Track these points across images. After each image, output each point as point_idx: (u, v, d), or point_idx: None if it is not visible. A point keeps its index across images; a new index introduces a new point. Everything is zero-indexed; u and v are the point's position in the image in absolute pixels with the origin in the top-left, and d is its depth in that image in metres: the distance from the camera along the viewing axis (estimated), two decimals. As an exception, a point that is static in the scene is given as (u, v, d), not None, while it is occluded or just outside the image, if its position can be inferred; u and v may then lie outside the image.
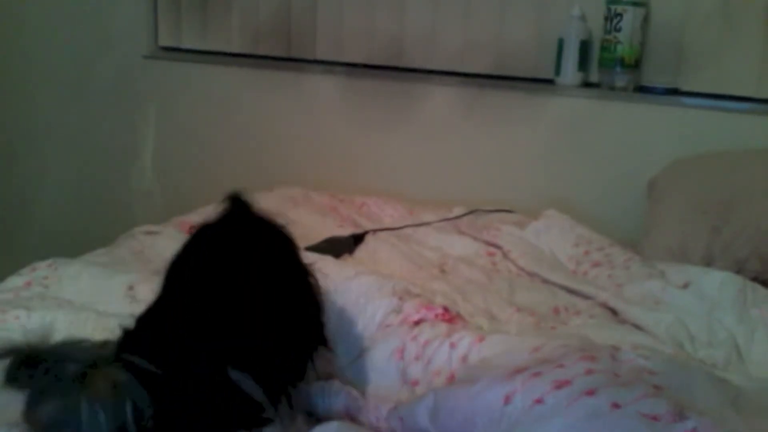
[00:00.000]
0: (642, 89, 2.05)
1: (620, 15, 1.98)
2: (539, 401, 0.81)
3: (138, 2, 2.44)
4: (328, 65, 2.30)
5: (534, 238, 1.81)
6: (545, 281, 1.63)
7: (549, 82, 2.12)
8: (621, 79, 2.02)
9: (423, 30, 2.21)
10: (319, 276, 1.13)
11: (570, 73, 2.07)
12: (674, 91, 2.02)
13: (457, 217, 1.95)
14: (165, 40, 2.46)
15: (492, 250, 1.77)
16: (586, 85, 2.09)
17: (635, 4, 1.97)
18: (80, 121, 2.60)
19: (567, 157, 2.10)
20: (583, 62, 2.07)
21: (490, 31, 2.16)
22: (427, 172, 2.23)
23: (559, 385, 0.82)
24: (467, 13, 2.17)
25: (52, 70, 2.60)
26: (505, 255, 1.74)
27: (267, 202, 1.89)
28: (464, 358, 1.05)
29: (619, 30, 1.99)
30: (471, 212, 1.98)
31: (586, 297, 1.55)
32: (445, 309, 1.24)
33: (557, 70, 2.09)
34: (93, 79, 2.54)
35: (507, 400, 0.84)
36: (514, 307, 1.46)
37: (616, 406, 0.78)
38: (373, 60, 2.27)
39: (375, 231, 1.79)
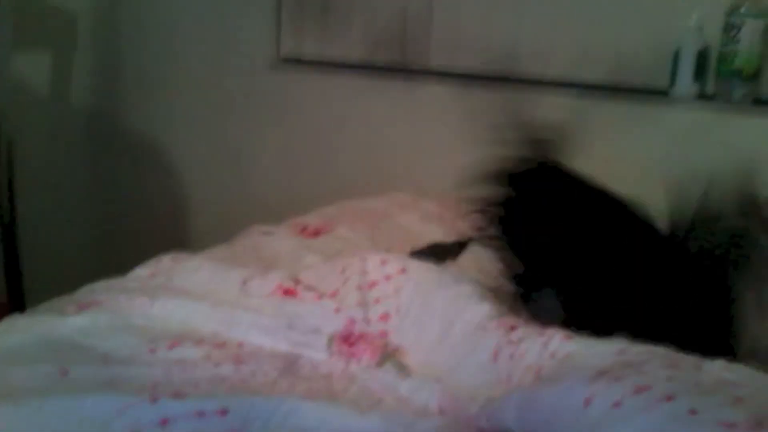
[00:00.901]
0: (761, 102, 1.99)
1: (739, 27, 1.94)
2: (617, 404, 0.83)
3: (264, 15, 2.58)
4: (442, 75, 2.36)
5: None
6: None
7: (664, 93, 2.09)
8: (739, 91, 1.98)
9: (538, 39, 2.23)
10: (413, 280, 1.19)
11: (686, 84, 2.04)
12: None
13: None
14: (288, 52, 2.59)
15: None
16: (702, 96, 2.05)
17: (756, 16, 1.92)
18: (211, 124, 2.77)
19: (681, 170, 2.06)
20: (700, 73, 2.03)
21: (606, 40, 2.16)
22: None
23: (639, 390, 0.84)
24: (583, 22, 2.17)
25: (183, 77, 2.79)
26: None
27: (376, 206, 2.00)
28: (553, 354, 1.07)
29: (738, 41, 1.95)
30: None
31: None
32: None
33: (673, 80, 2.06)
34: (221, 87, 2.71)
35: (587, 402, 0.87)
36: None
37: (693, 412, 0.79)
38: (487, 69, 2.31)
39: (475, 239, 1.82)
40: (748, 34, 1.93)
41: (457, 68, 2.34)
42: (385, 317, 1.30)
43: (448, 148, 2.36)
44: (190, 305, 1.34)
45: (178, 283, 1.45)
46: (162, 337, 1.23)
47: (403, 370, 1.21)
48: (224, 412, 1.00)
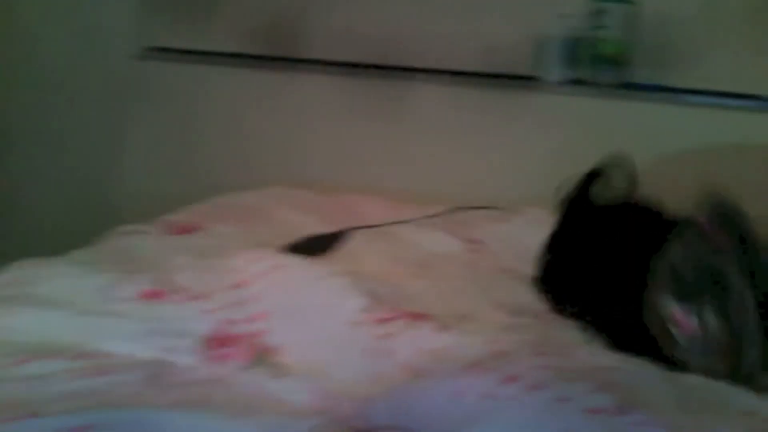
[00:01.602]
0: (630, 86, 2.05)
1: (604, 11, 1.98)
2: (489, 396, 0.82)
3: (127, 3, 2.45)
4: (317, 64, 2.31)
5: (516, 234, 1.82)
6: (526, 277, 1.64)
7: (535, 79, 2.12)
8: (607, 76, 2.02)
9: (411, 28, 2.22)
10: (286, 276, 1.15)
11: (555, 70, 2.07)
12: (663, 88, 2.02)
13: (440, 214, 1.96)
14: (152, 41, 2.46)
15: (475, 246, 1.78)
16: (573, 82, 2.09)
17: (621, 1, 1.97)
18: (67, 121, 2.62)
19: (552, 154, 2.11)
20: (569, 59, 2.07)
21: (477, 28, 2.17)
22: (412, 169, 2.24)
23: (508, 380, 0.83)
24: (455, 11, 2.18)
25: (41, 71, 2.62)
26: (486, 252, 1.75)
27: (251, 200, 1.95)
28: (426, 351, 1.06)
29: (604, 27, 1.99)
30: (455, 209, 1.99)
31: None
32: (416, 313, 1.25)
33: (543, 67, 2.09)
34: (81, 79, 2.56)
35: (458, 396, 0.86)
36: (495, 305, 1.47)
37: (562, 400, 0.79)
38: (362, 59, 2.28)
39: (356, 229, 1.80)
40: (614, 20, 1.98)
41: (333, 58, 2.30)
42: (259, 316, 1.26)
43: (326, 138, 2.33)
44: (50, 315, 1.25)
45: (37, 291, 1.36)
46: (19, 351, 1.15)
47: (278, 370, 1.17)
48: (87, 428, 0.93)
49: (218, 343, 1.20)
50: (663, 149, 1.94)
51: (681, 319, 1.06)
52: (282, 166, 2.35)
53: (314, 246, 1.63)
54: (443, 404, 0.86)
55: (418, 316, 1.20)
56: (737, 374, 1.04)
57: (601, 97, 2.04)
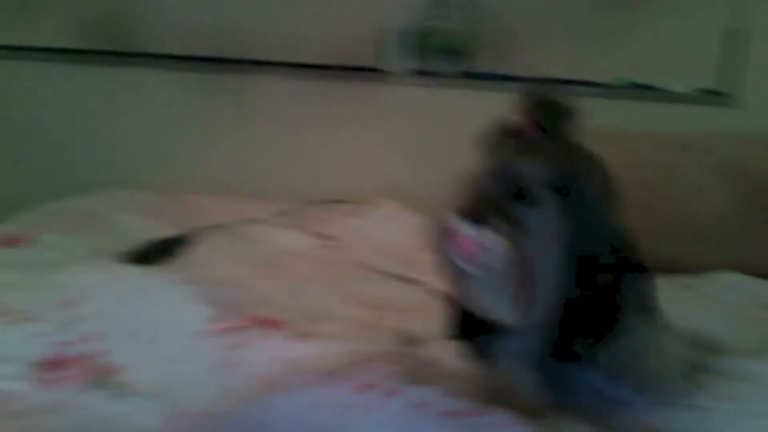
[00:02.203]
0: (473, 75, 2.07)
1: (446, 2, 2.00)
2: (344, 407, 0.79)
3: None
4: (154, 58, 2.19)
5: (369, 227, 1.81)
6: (380, 271, 1.63)
7: (380, 71, 2.11)
8: (450, 66, 2.05)
9: (254, 20, 2.15)
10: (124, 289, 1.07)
11: (399, 61, 2.07)
12: (504, 77, 2.06)
13: (292, 211, 1.91)
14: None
15: (328, 242, 1.75)
16: (417, 73, 2.09)
17: (459, -9, 1.99)
18: None
19: (401, 146, 2.11)
20: (413, 50, 2.07)
21: (322, 20, 2.13)
22: (260, 165, 2.18)
23: (364, 389, 0.80)
24: (298, 2, 2.12)
25: None
26: (340, 247, 1.72)
27: (87, 206, 1.82)
28: (281, 362, 1.01)
29: (446, 18, 2.01)
30: (306, 204, 1.95)
31: (417, 284, 1.56)
32: (267, 318, 1.20)
33: (387, 58, 2.08)
34: None
35: (313, 407, 0.82)
36: (349, 302, 1.45)
37: (418, 406, 0.77)
38: (202, 52, 2.19)
39: (204, 231, 1.72)
40: (456, 11, 2.00)
41: (171, 51, 2.19)
42: (95, 336, 1.16)
43: (167, 136, 2.22)
44: None
45: None
46: None
47: (121, 391, 1.09)
48: None
49: (52, 366, 1.10)
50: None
51: (471, 244, 0.84)
52: (120, 166, 2.22)
53: (156, 252, 1.54)
54: (297, 417, 0.82)
55: (269, 323, 1.15)
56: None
57: (445, 87, 2.06)
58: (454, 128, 2.06)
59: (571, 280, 0.88)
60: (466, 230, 0.85)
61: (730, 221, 1.77)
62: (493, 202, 0.86)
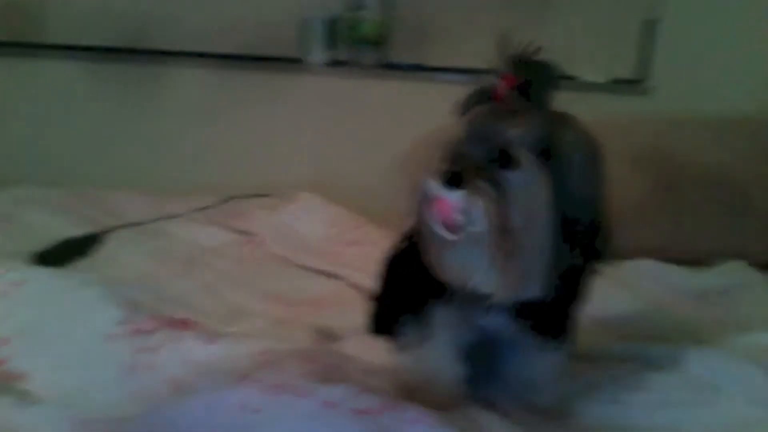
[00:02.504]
0: (390, 66, 2.06)
1: (364, -5, 1.98)
2: (253, 409, 0.77)
3: None
4: (60, 49, 2.10)
5: (289, 222, 1.78)
6: (299, 266, 1.61)
7: (300, 61, 2.08)
8: (368, 57, 2.03)
9: (168, 10, 2.09)
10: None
11: (318, 51, 2.04)
12: (421, 67, 2.05)
13: (210, 207, 1.87)
14: None
15: (246, 238, 1.71)
16: (336, 63, 2.07)
17: (376, -18, 1.98)
18: None
19: (321, 137, 2.09)
20: (331, 41, 2.04)
21: (239, 10, 2.08)
22: (178, 160, 2.13)
23: (274, 390, 0.78)
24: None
25: None
26: (259, 242, 1.69)
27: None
28: (191, 364, 0.98)
29: (363, 8, 1.99)
30: (226, 200, 1.91)
31: (338, 278, 1.55)
32: (179, 319, 1.16)
33: (305, 49, 2.05)
34: None
35: (223, 409, 0.79)
36: (268, 298, 1.42)
37: (329, 405, 0.75)
38: (113, 42, 2.11)
39: (117, 229, 1.66)
40: (373, 2, 1.98)
41: (79, 42, 2.11)
42: (1, 342, 1.10)
43: (77, 130, 2.14)
44: None
45: None
46: None
47: (26, 398, 1.04)
48: None
49: (-50, 376, 1.04)
50: (425, 126, 1.97)
51: (451, 209, 0.80)
52: (25, 163, 2.13)
53: (66, 252, 1.48)
54: (206, 420, 0.80)
55: (182, 324, 1.12)
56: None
57: (363, 78, 2.04)
58: (373, 119, 2.06)
59: (563, 246, 0.84)
60: (447, 195, 0.81)
61: (646, 209, 1.80)
62: (475, 165, 0.82)
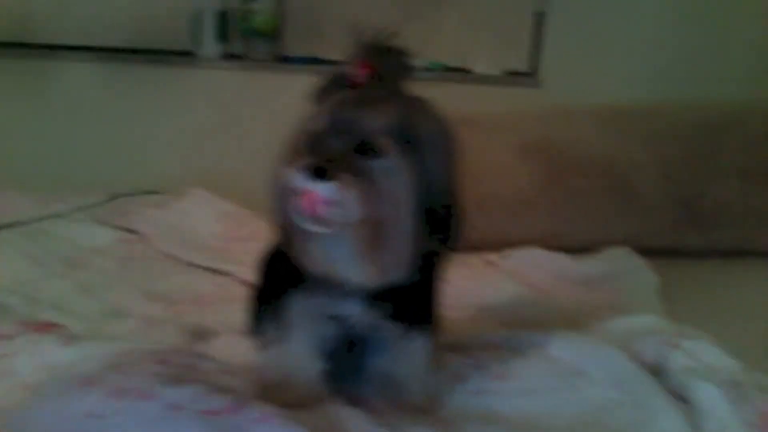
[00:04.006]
0: (283, 59, 2.04)
1: (254, -15, 1.96)
2: (94, 414, 0.74)
3: None
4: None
5: (176, 219, 1.74)
6: (186, 263, 1.58)
7: (192, 54, 2.04)
8: (261, 50, 2.01)
9: (52, 2, 2.02)
10: None
11: (210, 44, 2.01)
12: (314, 60, 2.04)
13: (95, 205, 1.81)
14: None
15: (130, 236, 1.67)
16: (229, 56, 2.04)
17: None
18: None
19: (214, 131, 2.05)
20: (223, 33, 2.01)
21: (127, 3, 2.03)
22: (65, 157, 2.06)
23: (118, 394, 0.76)
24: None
25: None
26: (144, 240, 1.65)
27: None
28: (46, 368, 0.95)
29: (255, 1, 1.97)
30: (113, 198, 1.86)
31: (226, 275, 1.53)
32: (43, 323, 1.12)
33: (197, 42, 2.02)
34: None
35: (65, 414, 0.77)
36: (148, 297, 1.39)
37: (174, 407, 0.73)
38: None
39: (-8, 230, 1.60)
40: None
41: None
42: None
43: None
44: None
45: None
46: None
47: None
48: None
49: None
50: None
51: (318, 201, 0.78)
52: None
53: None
54: (54, 427, 0.77)
55: (45, 327, 1.08)
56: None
57: (256, 71, 2.02)
58: (265, 112, 2.03)
59: (425, 233, 0.83)
60: (313, 187, 0.79)
61: (534, 199, 1.83)
62: (339, 156, 0.80)
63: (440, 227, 0.86)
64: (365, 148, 0.82)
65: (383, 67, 0.87)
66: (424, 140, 0.84)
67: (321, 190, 0.79)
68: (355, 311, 0.88)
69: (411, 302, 0.90)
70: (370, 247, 0.81)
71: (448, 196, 0.86)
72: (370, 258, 0.81)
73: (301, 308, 0.89)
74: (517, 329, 1.25)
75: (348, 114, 0.83)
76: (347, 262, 0.83)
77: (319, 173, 0.79)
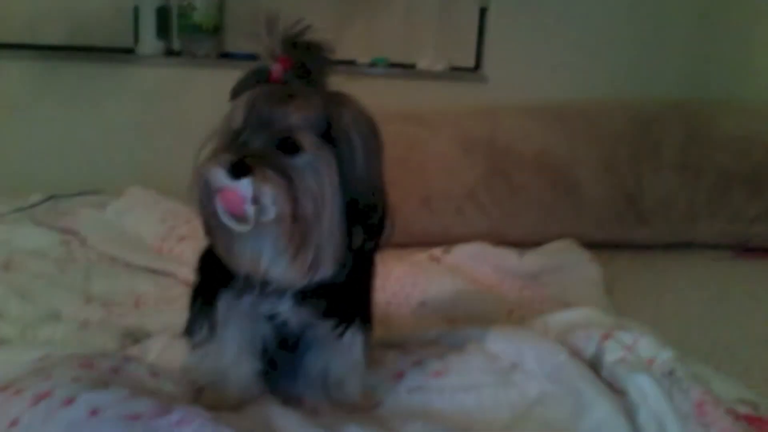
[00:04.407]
0: (224, 55, 2.02)
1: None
2: (15, 423, 0.72)
3: None
4: None
5: (116, 218, 1.71)
6: (127, 264, 1.55)
7: (130, 52, 2.00)
8: (202, 46, 1.98)
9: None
10: None
11: (149, 41, 1.97)
12: (257, 57, 2.01)
13: (32, 206, 1.77)
14: None
15: (68, 237, 1.63)
16: (170, 53, 2.01)
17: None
18: None
19: (155, 129, 2.02)
20: (163, 30, 1.98)
21: (64, 0, 1.98)
22: (0, 156, 2.00)
23: (38, 400, 0.73)
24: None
25: None
26: (83, 241, 1.61)
27: None
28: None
29: (197, -4, 1.94)
30: (49, 198, 1.81)
31: (168, 275, 1.50)
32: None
33: (136, 38, 1.98)
34: None
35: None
36: (84, 300, 1.36)
37: (94, 412, 0.71)
38: None
39: None
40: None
41: None
42: None
43: None
44: None
45: None
46: None
47: None
48: None
49: None
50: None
51: (238, 198, 0.77)
52: None
53: None
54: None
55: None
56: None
57: (197, 67, 1.99)
58: (207, 109, 1.99)
59: (351, 230, 0.83)
60: (233, 185, 0.78)
61: (478, 194, 1.84)
62: (260, 153, 0.79)
63: (366, 223, 0.85)
64: (286, 145, 0.81)
65: (302, 61, 0.86)
66: (346, 136, 0.83)
67: (240, 187, 0.78)
68: (286, 309, 0.87)
69: (344, 299, 0.89)
70: (293, 244, 0.80)
71: (373, 192, 0.85)
72: (294, 255, 0.81)
73: (231, 307, 0.88)
74: (458, 324, 1.26)
75: (267, 109, 0.82)
76: (272, 260, 0.82)
77: (238, 170, 0.78)
